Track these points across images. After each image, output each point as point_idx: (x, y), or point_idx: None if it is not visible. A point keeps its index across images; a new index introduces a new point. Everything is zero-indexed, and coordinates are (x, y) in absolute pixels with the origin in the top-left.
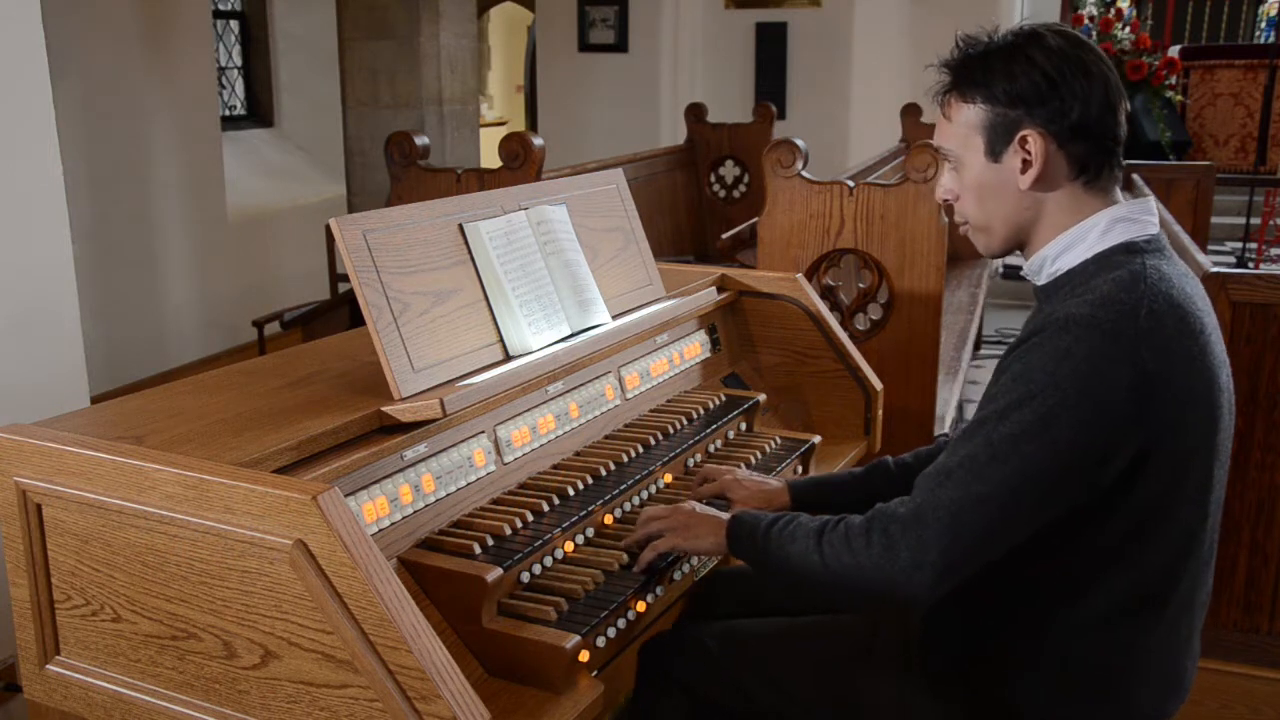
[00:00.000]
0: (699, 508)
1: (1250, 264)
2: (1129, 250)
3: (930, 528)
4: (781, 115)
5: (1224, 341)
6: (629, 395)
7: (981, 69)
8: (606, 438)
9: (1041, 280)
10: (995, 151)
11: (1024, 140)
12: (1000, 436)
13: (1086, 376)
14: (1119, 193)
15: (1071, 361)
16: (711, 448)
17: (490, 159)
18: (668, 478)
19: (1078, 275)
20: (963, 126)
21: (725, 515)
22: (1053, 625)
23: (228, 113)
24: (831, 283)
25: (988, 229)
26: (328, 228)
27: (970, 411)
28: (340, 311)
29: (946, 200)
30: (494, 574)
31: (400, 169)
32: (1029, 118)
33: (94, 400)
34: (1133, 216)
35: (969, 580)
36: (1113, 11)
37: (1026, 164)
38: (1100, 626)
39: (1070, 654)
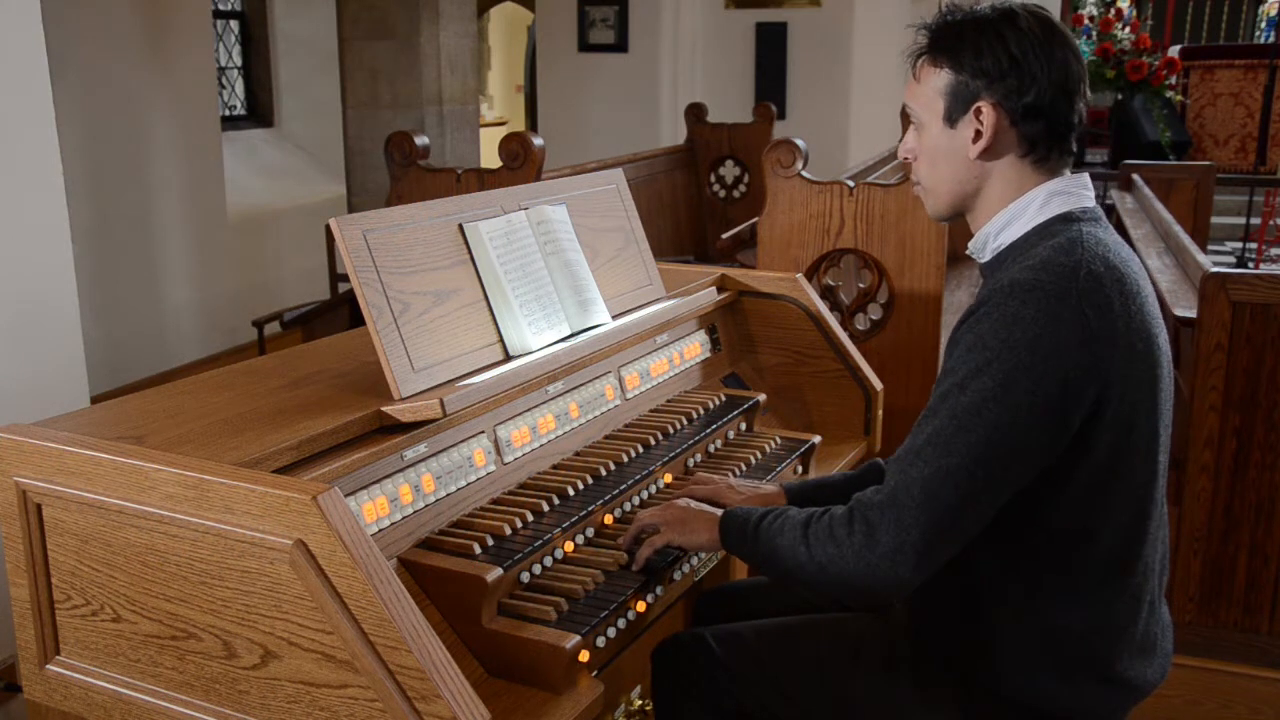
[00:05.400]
0: (693, 503)
1: (1250, 264)
2: (1066, 220)
3: (906, 508)
4: (781, 115)
5: (1223, 341)
6: (629, 395)
7: (954, 37)
8: (606, 438)
9: (986, 257)
10: (952, 118)
11: (978, 111)
12: (963, 407)
13: (1038, 338)
14: (1066, 174)
15: (1022, 325)
16: (711, 448)
17: (490, 159)
18: (667, 478)
19: (1019, 247)
20: (929, 90)
21: (719, 511)
22: (1035, 603)
23: (228, 113)
24: (831, 283)
25: (934, 193)
26: (328, 228)
27: None
28: (340, 311)
29: (907, 159)
30: (494, 574)
31: (400, 169)
32: (987, 91)
33: (94, 400)
34: (1069, 190)
35: (952, 571)
36: (1113, 11)
37: (978, 134)
38: (1078, 599)
39: (1054, 629)
